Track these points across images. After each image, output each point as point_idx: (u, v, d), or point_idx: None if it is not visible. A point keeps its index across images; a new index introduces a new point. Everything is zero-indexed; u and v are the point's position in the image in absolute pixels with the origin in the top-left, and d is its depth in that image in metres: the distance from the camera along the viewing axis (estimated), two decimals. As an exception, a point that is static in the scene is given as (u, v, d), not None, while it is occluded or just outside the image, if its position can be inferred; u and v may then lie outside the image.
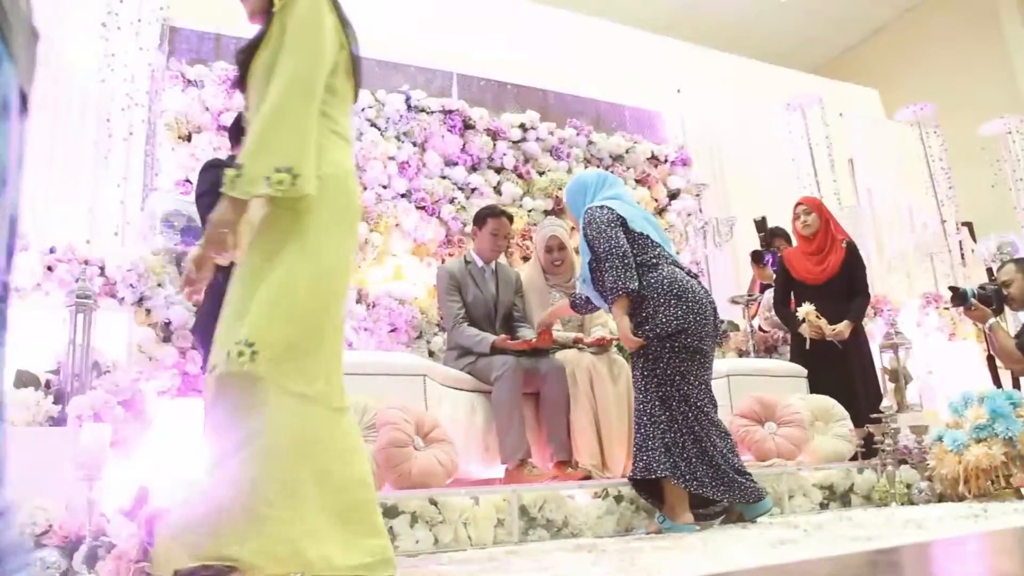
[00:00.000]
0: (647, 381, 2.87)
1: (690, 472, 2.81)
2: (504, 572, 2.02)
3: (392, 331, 3.93)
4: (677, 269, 2.96)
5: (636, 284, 2.85)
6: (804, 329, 4.08)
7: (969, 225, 6.24)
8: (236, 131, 2.99)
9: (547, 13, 5.59)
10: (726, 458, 2.87)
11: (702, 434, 2.85)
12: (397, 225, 4.44)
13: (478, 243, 3.81)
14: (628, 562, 2.01)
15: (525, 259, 4.67)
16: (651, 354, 2.86)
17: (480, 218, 3.83)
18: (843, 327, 4.05)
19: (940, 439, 3.54)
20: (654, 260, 2.93)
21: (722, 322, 3.90)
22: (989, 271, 4.98)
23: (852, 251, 4.26)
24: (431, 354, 4.00)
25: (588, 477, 3.37)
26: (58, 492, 2.46)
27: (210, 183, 2.74)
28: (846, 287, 4.18)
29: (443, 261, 4.51)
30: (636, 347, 2.88)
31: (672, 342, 2.84)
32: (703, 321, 2.88)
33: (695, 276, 3.05)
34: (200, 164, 4.01)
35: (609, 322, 4.42)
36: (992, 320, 3.75)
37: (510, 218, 3.89)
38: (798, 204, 4.34)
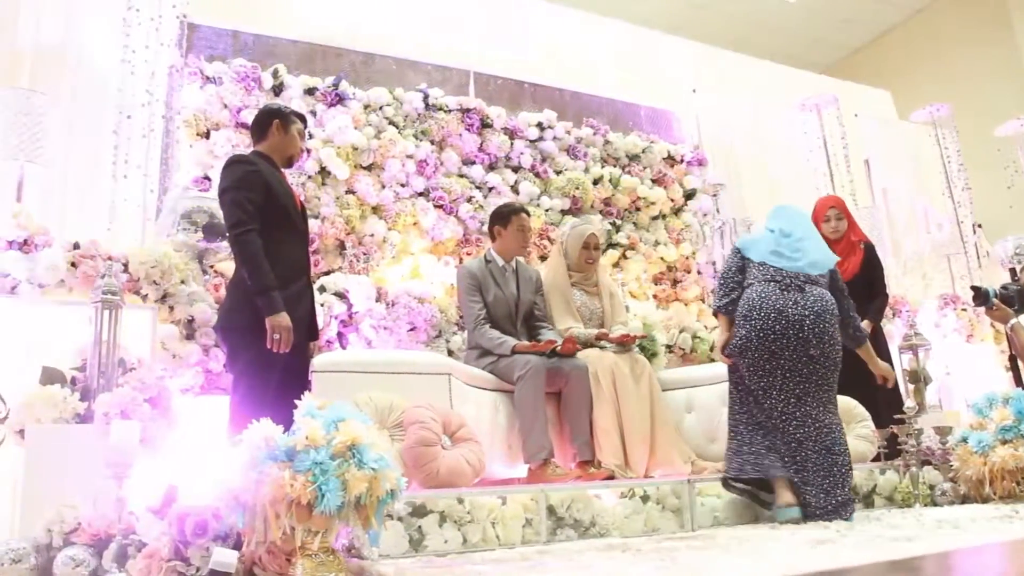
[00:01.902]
0: (731, 396, 3.19)
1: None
2: (542, 571, 2.00)
3: (411, 330, 3.91)
4: (769, 286, 3.08)
5: (718, 304, 3.20)
6: None
7: (976, 227, 6.22)
8: (258, 128, 2.98)
9: (561, 12, 5.57)
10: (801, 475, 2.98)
11: (786, 452, 3.01)
12: (415, 224, 4.42)
13: (503, 242, 3.78)
14: (669, 561, 2.00)
15: (543, 258, 4.65)
16: (732, 370, 3.17)
17: (503, 216, 3.81)
18: (864, 326, 4.03)
19: (964, 440, 3.51)
20: (750, 281, 3.14)
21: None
22: (1012, 272, 4.96)
23: (871, 252, 4.27)
24: (450, 353, 3.98)
25: (611, 477, 3.36)
26: (86, 489, 2.44)
27: (233, 180, 2.72)
28: (865, 288, 4.18)
29: (460, 260, 4.49)
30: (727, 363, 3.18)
31: (744, 359, 3.06)
32: (772, 337, 3.00)
33: (801, 287, 3.11)
34: (219, 161, 4.01)
35: (631, 321, 4.41)
36: (1014, 320, 3.73)
37: (528, 214, 3.91)
38: (830, 207, 4.26)
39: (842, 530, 2.62)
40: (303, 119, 3.06)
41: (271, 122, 2.91)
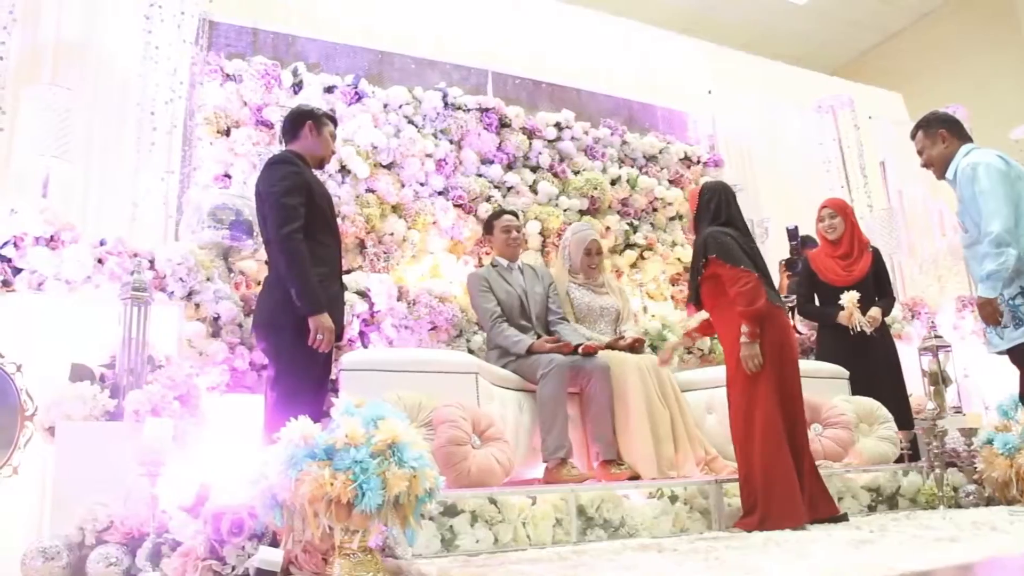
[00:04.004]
0: None
1: None
2: (588, 571, 1.98)
3: (432, 329, 3.89)
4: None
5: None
6: (843, 317, 4.06)
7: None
8: (291, 128, 2.97)
9: (576, 13, 5.56)
10: None
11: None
12: (434, 223, 4.40)
13: (496, 247, 3.97)
14: (715, 560, 1.98)
15: (561, 258, 4.64)
16: None
17: (487, 224, 4.08)
18: (876, 312, 4.09)
19: (990, 442, 3.50)
20: None
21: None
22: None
23: (878, 256, 4.35)
24: (470, 353, 3.96)
25: (635, 477, 3.34)
26: (116, 487, 2.42)
27: (278, 179, 2.70)
28: (873, 290, 4.20)
29: (479, 259, 4.49)
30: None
31: None
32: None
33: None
34: (239, 159, 4.00)
35: (649, 321, 4.41)
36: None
37: (514, 214, 4.04)
38: (823, 207, 4.33)
39: (875, 530, 2.61)
40: (335, 121, 3.07)
41: (304, 123, 2.91)
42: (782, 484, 2.84)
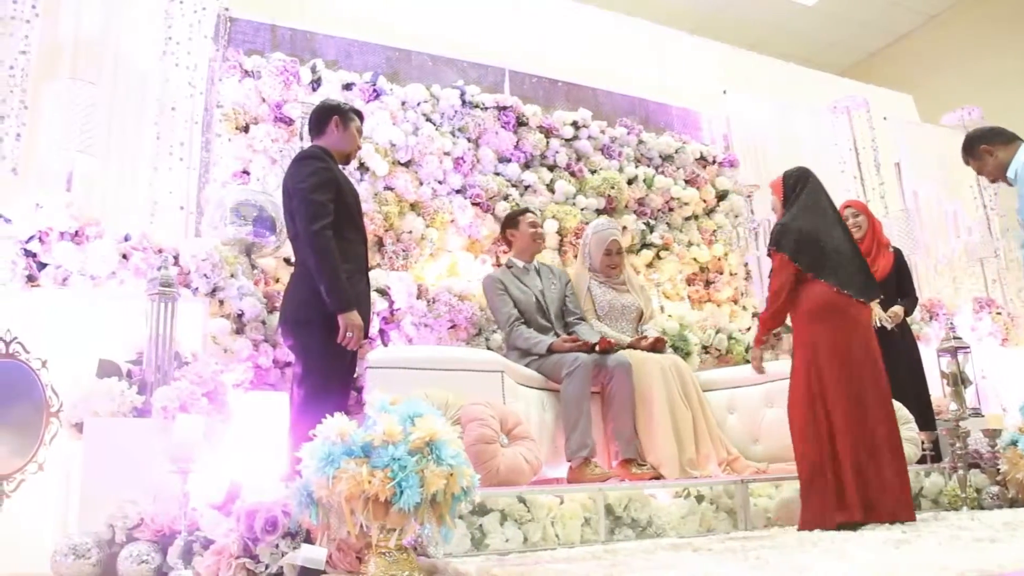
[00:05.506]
0: None
1: None
2: (625, 570, 1.96)
3: (451, 327, 3.88)
4: None
5: None
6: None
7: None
8: (317, 123, 2.95)
9: (592, 12, 5.55)
10: None
11: None
12: (452, 221, 4.39)
13: (518, 243, 3.93)
14: (756, 560, 1.96)
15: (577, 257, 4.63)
16: None
17: (512, 219, 4.01)
18: (898, 309, 4.11)
19: (1014, 443, 3.50)
20: None
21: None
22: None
23: (900, 256, 4.36)
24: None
25: (658, 477, 3.33)
26: (144, 484, 2.40)
27: (308, 175, 2.69)
28: (894, 290, 4.20)
29: (497, 258, 4.47)
30: None
31: None
32: None
33: None
34: (258, 156, 3.98)
35: (667, 321, 4.39)
36: None
37: (535, 213, 4.08)
38: (846, 207, 4.32)
39: (907, 530, 2.59)
40: (361, 116, 3.05)
41: (330, 118, 2.90)
42: (815, 486, 2.83)
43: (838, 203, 4.40)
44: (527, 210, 4.06)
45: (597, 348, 3.51)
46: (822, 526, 2.77)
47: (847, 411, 2.88)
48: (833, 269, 3.02)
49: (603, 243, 4.01)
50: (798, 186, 3.23)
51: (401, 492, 1.97)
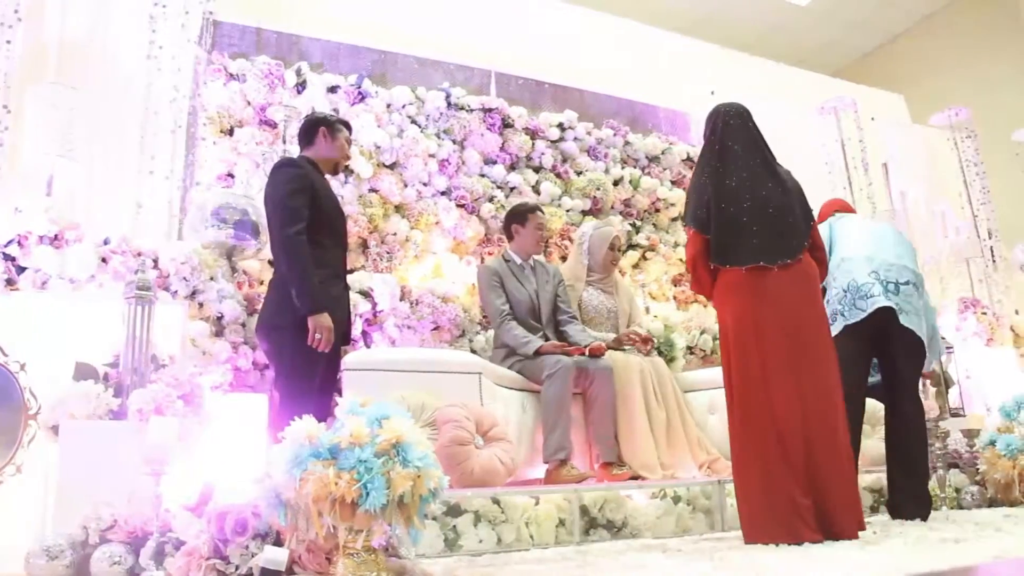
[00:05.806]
0: None
1: None
2: (595, 571, 1.98)
3: (435, 329, 3.89)
4: None
5: None
6: None
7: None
8: (305, 135, 3.00)
9: (578, 13, 5.56)
10: None
11: None
12: (437, 223, 4.40)
13: (521, 239, 3.85)
14: (720, 560, 1.98)
15: (563, 259, 4.63)
16: None
17: (520, 214, 3.88)
18: None
19: (992, 443, 3.51)
20: None
21: None
22: None
23: None
24: (473, 353, 3.96)
25: (635, 478, 3.34)
26: (120, 486, 2.42)
27: (282, 182, 2.72)
28: None
29: (482, 260, 4.48)
30: None
31: None
32: None
33: None
34: (243, 159, 4.00)
35: (652, 322, 4.40)
36: None
37: (543, 212, 3.98)
38: (832, 207, 4.31)
39: (878, 531, 2.60)
40: (349, 127, 3.12)
41: (318, 130, 2.97)
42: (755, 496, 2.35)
43: (822, 203, 4.42)
44: (537, 208, 3.91)
45: (588, 352, 3.52)
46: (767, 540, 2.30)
47: (783, 407, 2.41)
48: (746, 243, 2.54)
49: (606, 239, 4.01)
50: (712, 135, 2.73)
51: (367, 493, 1.98)
